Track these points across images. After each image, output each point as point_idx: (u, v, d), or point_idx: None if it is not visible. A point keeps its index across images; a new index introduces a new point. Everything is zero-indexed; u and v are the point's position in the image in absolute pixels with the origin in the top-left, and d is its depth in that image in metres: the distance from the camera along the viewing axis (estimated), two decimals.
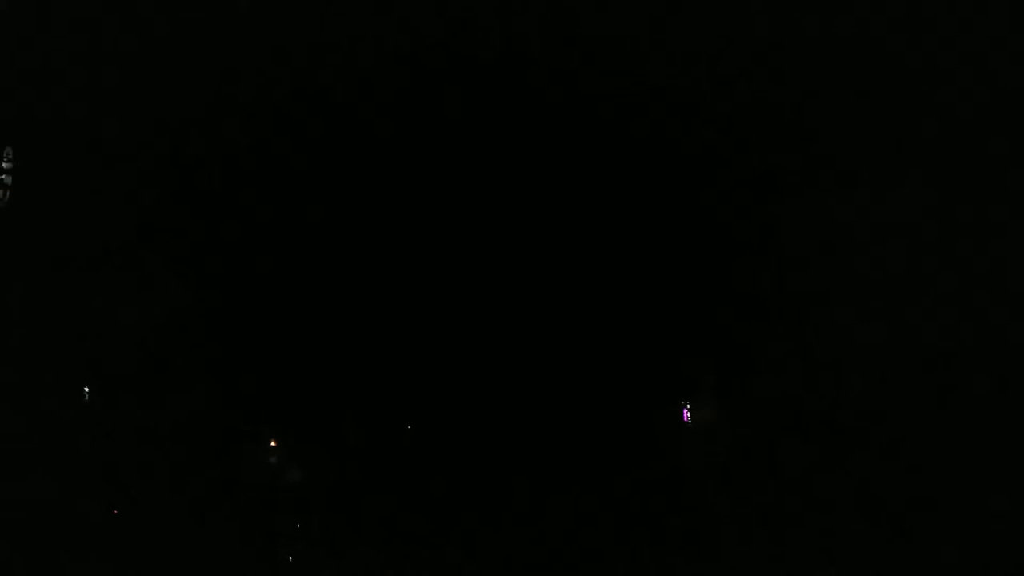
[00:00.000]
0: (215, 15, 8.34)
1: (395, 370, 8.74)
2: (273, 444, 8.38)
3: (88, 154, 8.30)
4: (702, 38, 8.43)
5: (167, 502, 7.84)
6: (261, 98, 8.50)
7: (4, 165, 7.77)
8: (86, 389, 8.03)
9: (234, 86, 8.42)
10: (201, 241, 8.48)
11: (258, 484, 8.23)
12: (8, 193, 7.73)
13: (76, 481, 7.71)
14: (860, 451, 7.79)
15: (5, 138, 8.08)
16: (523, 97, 8.71)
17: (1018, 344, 7.62)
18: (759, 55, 8.38)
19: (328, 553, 7.73)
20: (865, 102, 8.22)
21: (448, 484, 8.31)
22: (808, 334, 8.22)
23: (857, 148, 8.21)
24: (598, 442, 8.49)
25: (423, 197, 8.78)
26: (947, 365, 7.72)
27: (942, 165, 7.95)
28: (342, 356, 8.67)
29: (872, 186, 8.12)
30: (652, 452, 8.38)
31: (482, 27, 8.53)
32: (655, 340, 8.66)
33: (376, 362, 8.72)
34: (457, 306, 8.81)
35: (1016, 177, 7.81)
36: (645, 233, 8.73)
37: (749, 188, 8.52)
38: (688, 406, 8.48)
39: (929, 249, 7.88)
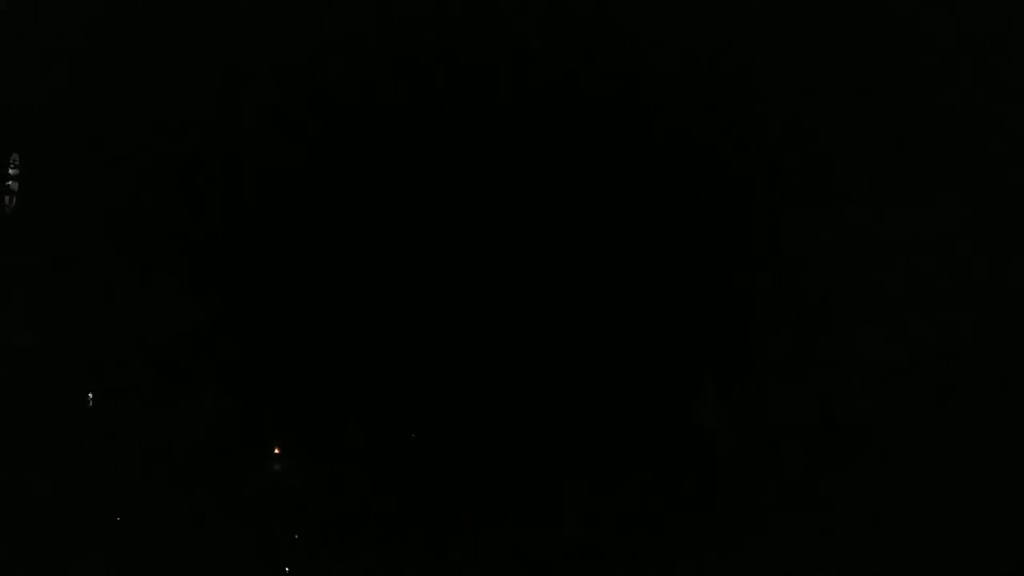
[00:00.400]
0: (215, 15, 8.34)
1: (398, 373, 8.74)
2: (277, 451, 8.38)
3: (88, 154, 8.30)
4: (702, 38, 8.43)
5: (169, 504, 7.85)
6: (262, 98, 8.51)
7: (11, 171, 7.78)
8: (90, 395, 8.04)
9: (235, 87, 8.43)
10: (202, 242, 8.48)
11: (260, 487, 8.23)
12: (15, 199, 7.75)
13: (77, 482, 7.71)
14: (861, 451, 7.81)
15: (3, 138, 8.09)
16: (523, 97, 8.71)
17: (1018, 344, 7.63)
18: (759, 55, 8.39)
19: (330, 557, 7.72)
20: (865, 102, 8.23)
21: (450, 486, 8.31)
22: (808, 334, 8.23)
23: (857, 148, 8.22)
24: (599, 443, 8.49)
25: (426, 199, 8.78)
26: (947, 365, 7.73)
27: (942, 165, 7.96)
28: (346, 358, 8.67)
29: (872, 187, 8.13)
30: (653, 453, 8.38)
31: (481, 27, 8.53)
32: (655, 341, 8.66)
33: (379, 364, 8.72)
34: (459, 307, 8.81)
35: (1016, 177, 7.82)
36: (645, 234, 8.73)
37: (749, 189, 8.52)
38: (692, 407, 8.48)
39: (929, 249, 7.90)
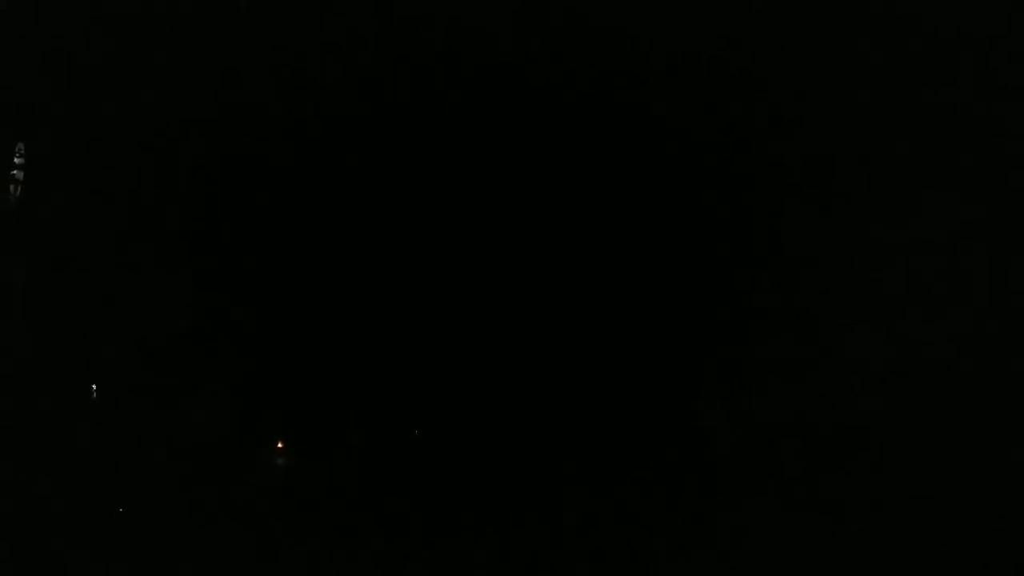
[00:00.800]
0: (215, 15, 8.34)
1: (399, 373, 8.75)
2: (280, 445, 8.39)
3: (88, 154, 8.30)
4: (702, 38, 8.43)
5: (170, 503, 7.85)
6: (262, 98, 8.51)
7: (16, 161, 7.78)
8: (93, 387, 8.03)
9: (235, 87, 8.43)
10: (201, 242, 8.48)
11: (260, 487, 8.24)
12: (20, 189, 7.75)
13: (78, 482, 7.71)
14: (861, 451, 7.81)
15: (4, 138, 8.09)
16: (522, 97, 8.71)
17: (1018, 344, 7.63)
18: (759, 55, 8.39)
19: (330, 557, 7.73)
20: (865, 102, 8.23)
21: (450, 486, 8.31)
22: (808, 334, 8.24)
23: (857, 148, 8.23)
24: (599, 442, 8.50)
25: (427, 199, 8.79)
26: (947, 366, 7.74)
27: (942, 165, 7.97)
28: (346, 358, 8.68)
29: (872, 187, 8.14)
30: (653, 453, 8.39)
31: (481, 27, 8.54)
32: (655, 341, 8.67)
33: (380, 364, 8.73)
34: (459, 308, 8.82)
35: (1016, 177, 7.83)
36: (645, 234, 8.74)
37: (749, 189, 8.53)
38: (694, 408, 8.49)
39: (929, 249, 7.90)
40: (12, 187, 7.85)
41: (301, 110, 8.62)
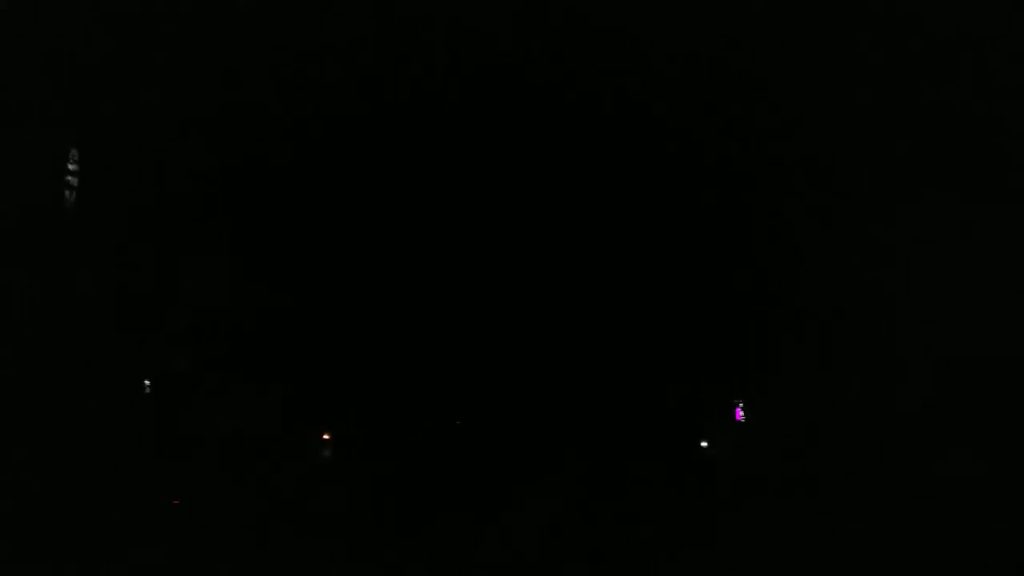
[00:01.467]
0: (215, 15, 8.35)
1: (401, 372, 8.77)
2: (326, 437, 8.41)
3: (87, 154, 8.31)
4: (702, 38, 8.44)
5: (195, 501, 7.87)
6: (262, 98, 8.52)
7: (70, 167, 7.81)
8: (146, 382, 8.05)
9: (236, 88, 8.44)
10: (204, 242, 8.50)
11: (265, 487, 8.25)
12: (75, 194, 7.78)
13: (78, 482, 7.72)
14: (861, 451, 7.82)
15: (3, 138, 8.09)
16: (523, 97, 8.72)
17: (1018, 344, 7.63)
18: (759, 55, 8.40)
19: (332, 556, 7.72)
20: (865, 102, 8.24)
21: (459, 485, 8.33)
22: (808, 334, 8.24)
23: (857, 148, 8.23)
24: (599, 443, 8.51)
25: (430, 198, 8.80)
26: (947, 365, 7.74)
27: (942, 165, 7.97)
28: (348, 356, 8.70)
29: (872, 187, 8.15)
30: (653, 453, 8.40)
31: (481, 27, 8.54)
32: (655, 342, 8.68)
33: (381, 364, 8.75)
34: (460, 308, 8.84)
35: (1016, 177, 7.83)
36: (645, 234, 8.75)
37: (749, 189, 8.54)
38: (740, 404, 8.50)
39: (931, 250, 7.90)
40: (68, 192, 7.88)
41: (301, 110, 8.63)
